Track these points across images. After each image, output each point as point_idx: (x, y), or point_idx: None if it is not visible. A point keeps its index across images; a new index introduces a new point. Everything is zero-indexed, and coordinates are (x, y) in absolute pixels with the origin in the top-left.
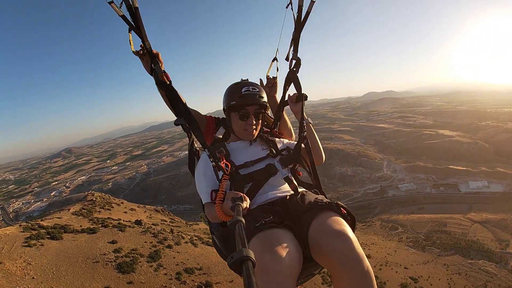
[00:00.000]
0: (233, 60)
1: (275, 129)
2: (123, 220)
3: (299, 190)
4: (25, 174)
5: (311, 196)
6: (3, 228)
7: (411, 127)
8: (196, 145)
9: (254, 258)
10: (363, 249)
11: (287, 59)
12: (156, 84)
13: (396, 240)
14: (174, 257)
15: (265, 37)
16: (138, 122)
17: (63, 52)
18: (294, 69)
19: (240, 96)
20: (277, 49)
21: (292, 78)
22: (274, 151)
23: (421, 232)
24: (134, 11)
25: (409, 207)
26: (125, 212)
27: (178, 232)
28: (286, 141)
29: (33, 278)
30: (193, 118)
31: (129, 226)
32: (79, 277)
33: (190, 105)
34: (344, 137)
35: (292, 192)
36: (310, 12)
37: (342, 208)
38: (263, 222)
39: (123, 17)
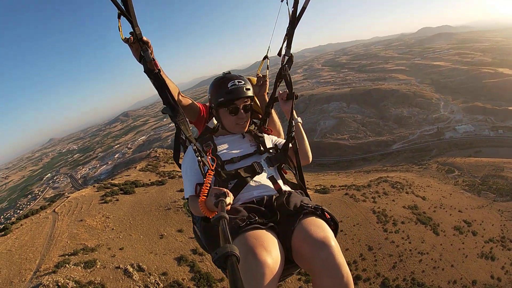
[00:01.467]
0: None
1: (264, 126)
2: None
3: (284, 189)
4: (88, 142)
5: (297, 199)
6: (79, 191)
7: (469, 64)
8: (184, 135)
9: (238, 254)
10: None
11: (279, 54)
12: (144, 71)
13: (451, 183)
14: None
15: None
16: (187, 78)
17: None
18: (286, 65)
19: (228, 92)
20: (269, 47)
21: (283, 75)
22: (262, 148)
23: (477, 176)
24: None
25: (466, 150)
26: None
27: None
28: (275, 138)
29: (113, 229)
30: (180, 110)
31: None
32: (154, 223)
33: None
34: (399, 76)
35: (276, 192)
36: (306, 7)
37: (326, 213)
38: (248, 222)
39: (113, 0)
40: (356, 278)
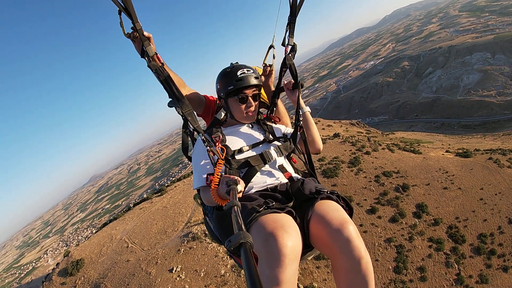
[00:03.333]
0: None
1: (272, 114)
2: (323, 136)
3: (295, 177)
4: None
5: (312, 185)
6: None
7: None
8: (191, 126)
9: (251, 242)
10: None
11: (283, 44)
12: (148, 66)
13: None
14: (372, 162)
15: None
16: (317, 43)
17: None
18: (290, 54)
19: (237, 80)
20: (274, 36)
21: (288, 64)
22: (271, 137)
23: None
24: None
25: None
26: (323, 129)
27: (375, 141)
28: (283, 127)
29: None
30: (186, 101)
31: (329, 138)
32: None
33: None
34: None
35: (287, 180)
36: None
37: (341, 199)
38: (266, 207)
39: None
40: (490, 253)
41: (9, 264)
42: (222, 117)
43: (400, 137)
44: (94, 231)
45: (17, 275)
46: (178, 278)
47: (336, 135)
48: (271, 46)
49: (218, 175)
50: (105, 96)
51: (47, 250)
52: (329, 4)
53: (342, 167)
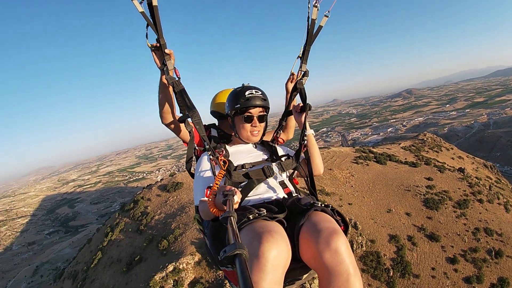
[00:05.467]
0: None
1: (277, 135)
2: (447, 164)
3: (295, 194)
4: (367, 110)
5: (308, 199)
6: (341, 147)
7: None
8: (200, 134)
9: (247, 253)
10: None
11: (299, 65)
12: (165, 78)
13: None
14: (480, 212)
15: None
16: (481, 65)
17: None
18: (302, 80)
19: (245, 99)
20: (301, 47)
21: (298, 88)
22: (274, 157)
23: None
24: (153, 9)
25: None
26: (452, 158)
27: (496, 191)
28: (287, 148)
29: (352, 186)
30: (197, 113)
31: (449, 170)
32: (388, 197)
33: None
34: None
35: (286, 195)
36: (322, 26)
37: (337, 214)
38: (257, 215)
39: (143, 13)
40: None
41: (124, 167)
42: (217, 136)
43: None
44: None
45: (127, 178)
46: None
47: (460, 170)
48: (298, 56)
49: (217, 184)
50: None
51: (161, 168)
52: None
53: (446, 204)
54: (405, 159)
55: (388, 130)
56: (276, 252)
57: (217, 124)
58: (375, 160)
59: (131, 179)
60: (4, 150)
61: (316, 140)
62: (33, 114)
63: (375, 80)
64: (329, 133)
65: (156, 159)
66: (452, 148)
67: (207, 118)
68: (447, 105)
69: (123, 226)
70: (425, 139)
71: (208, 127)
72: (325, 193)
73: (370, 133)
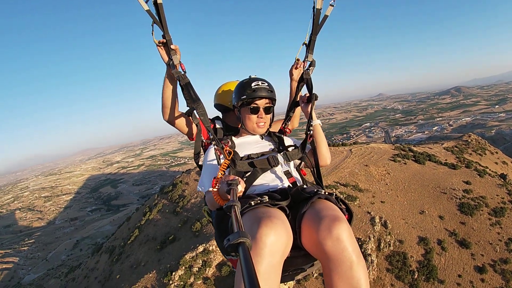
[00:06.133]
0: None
1: (284, 126)
2: (489, 169)
3: (299, 184)
4: (413, 106)
5: (312, 188)
6: (378, 143)
7: None
8: (202, 138)
9: (250, 242)
10: None
11: (305, 55)
12: (171, 73)
13: None
14: None
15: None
16: (499, 69)
17: None
18: (308, 70)
19: (251, 90)
20: (307, 33)
21: (305, 79)
22: (281, 147)
23: None
24: (158, 6)
25: None
26: (496, 163)
27: None
28: (294, 139)
29: (387, 184)
30: (201, 104)
31: (490, 175)
32: (422, 198)
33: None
34: None
35: (291, 184)
36: (328, 16)
37: (341, 202)
38: (259, 201)
39: (148, 11)
40: None
41: (167, 152)
42: (219, 127)
43: None
44: None
45: (169, 162)
46: None
47: (502, 176)
48: (304, 43)
49: (221, 174)
50: None
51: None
52: None
53: (482, 211)
54: (446, 160)
55: (434, 128)
56: (274, 237)
57: (221, 117)
58: (413, 159)
59: (173, 164)
60: (55, 129)
61: (358, 135)
62: (84, 96)
63: (423, 75)
64: (372, 128)
65: None
66: (496, 152)
67: (211, 113)
68: (496, 106)
69: (161, 207)
70: (469, 140)
71: (212, 120)
72: (359, 189)
73: (414, 131)
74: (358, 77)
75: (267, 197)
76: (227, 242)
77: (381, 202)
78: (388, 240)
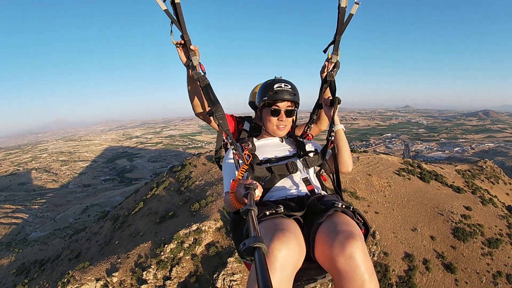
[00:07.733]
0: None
1: (306, 130)
2: (497, 198)
3: (318, 192)
4: (438, 123)
5: (329, 198)
6: (388, 155)
7: None
8: (223, 128)
9: (266, 247)
10: None
11: (325, 51)
12: (191, 74)
13: None
14: (509, 257)
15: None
16: None
17: None
18: (332, 71)
19: (273, 92)
20: (335, 32)
21: (328, 81)
22: (302, 152)
23: None
24: (175, 6)
25: None
26: (507, 194)
27: None
28: (317, 144)
29: (385, 196)
30: (220, 107)
31: (494, 205)
32: (417, 216)
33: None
34: None
35: (309, 192)
36: (353, 14)
37: (358, 216)
38: (274, 211)
39: (166, 11)
40: None
41: (186, 133)
42: (249, 128)
43: None
44: None
45: (187, 144)
46: None
47: (509, 208)
48: (332, 42)
49: (239, 178)
50: None
51: None
52: None
53: (476, 238)
54: (453, 182)
55: (455, 149)
56: (286, 252)
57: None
58: (419, 176)
59: (190, 146)
60: (83, 97)
61: (377, 145)
62: (116, 69)
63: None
64: (392, 139)
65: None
66: (510, 183)
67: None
68: None
69: (167, 184)
70: (484, 167)
71: (243, 120)
72: (355, 197)
73: (435, 148)
74: (387, 85)
75: (282, 207)
76: (243, 246)
77: (375, 212)
78: (373, 250)
